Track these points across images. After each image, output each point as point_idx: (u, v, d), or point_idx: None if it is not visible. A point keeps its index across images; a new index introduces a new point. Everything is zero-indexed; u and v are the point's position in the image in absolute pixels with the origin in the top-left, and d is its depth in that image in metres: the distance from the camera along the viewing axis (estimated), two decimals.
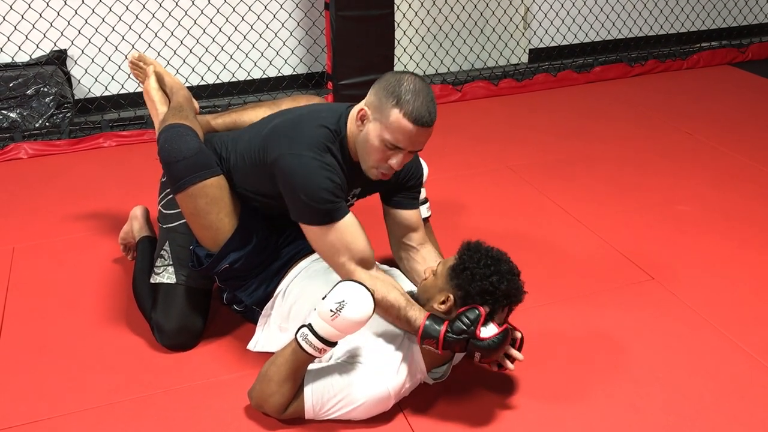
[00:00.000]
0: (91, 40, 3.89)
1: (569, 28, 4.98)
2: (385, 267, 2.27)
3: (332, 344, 1.82)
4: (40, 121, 3.73)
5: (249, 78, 4.30)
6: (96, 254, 2.73)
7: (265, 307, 2.17)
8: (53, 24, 3.78)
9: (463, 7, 4.61)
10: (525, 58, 4.94)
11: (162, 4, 3.97)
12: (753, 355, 2.21)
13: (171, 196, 2.25)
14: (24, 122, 3.72)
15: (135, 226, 2.58)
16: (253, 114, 2.41)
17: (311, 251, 2.18)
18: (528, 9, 4.82)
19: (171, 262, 2.24)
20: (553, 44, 4.98)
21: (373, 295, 1.79)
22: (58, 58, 3.91)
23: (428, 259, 2.15)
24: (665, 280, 2.58)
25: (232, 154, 2.16)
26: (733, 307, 2.44)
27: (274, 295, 2.16)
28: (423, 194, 2.43)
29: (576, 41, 5.01)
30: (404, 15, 4.44)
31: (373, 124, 1.88)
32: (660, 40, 5.25)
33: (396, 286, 1.94)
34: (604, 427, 1.93)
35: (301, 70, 4.46)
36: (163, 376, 2.12)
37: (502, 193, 3.24)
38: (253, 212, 2.18)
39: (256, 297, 2.18)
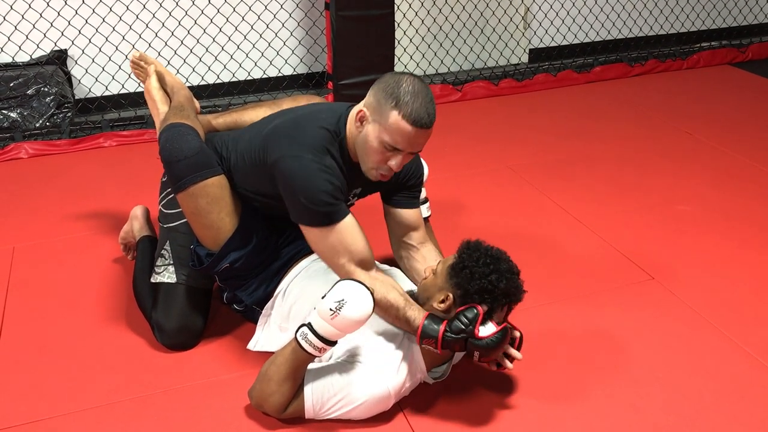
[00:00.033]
0: (91, 40, 3.89)
1: (569, 28, 4.98)
2: (386, 267, 2.27)
3: (332, 343, 1.82)
4: (40, 121, 3.74)
5: (249, 78, 4.30)
6: (96, 254, 2.74)
7: (265, 307, 2.17)
8: (54, 24, 3.78)
9: (464, 7, 4.61)
10: (525, 58, 4.94)
11: (162, 4, 3.97)
12: (753, 355, 2.21)
13: (172, 195, 2.25)
14: (24, 122, 3.72)
15: (135, 225, 2.58)
16: (254, 114, 2.42)
17: (311, 251, 2.18)
18: (528, 9, 4.82)
19: (171, 262, 2.24)
20: (553, 44, 4.98)
21: (372, 293, 1.79)
22: (59, 57, 3.91)
23: (428, 258, 2.15)
24: (665, 280, 2.58)
25: (232, 153, 2.16)
26: (733, 307, 2.44)
27: (274, 294, 2.16)
28: (423, 194, 2.43)
29: (576, 41, 5.01)
30: (404, 15, 4.44)
31: (372, 125, 1.88)
32: (660, 40, 5.25)
33: (395, 286, 1.94)
34: (604, 427, 1.93)
35: (302, 70, 4.46)
36: (163, 375, 2.12)
37: (502, 193, 3.24)
38: (253, 212, 2.18)
39: (256, 296, 2.18)
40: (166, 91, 2.48)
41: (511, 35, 4.85)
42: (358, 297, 1.76)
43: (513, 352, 1.92)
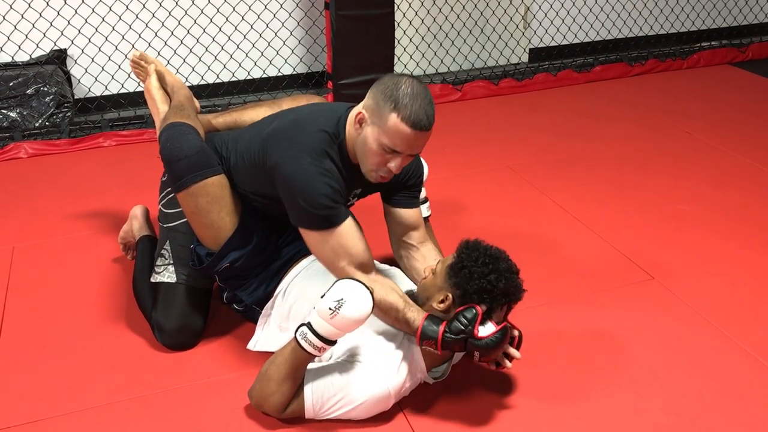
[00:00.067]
0: (91, 40, 3.89)
1: (569, 28, 4.98)
2: (385, 266, 2.27)
3: (331, 343, 1.82)
4: (40, 121, 3.73)
5: (249, 77, 4.30)
6: (96, 254, 2.73)
7: (265, 307, 2.17)
8: (53, 23, 3.78)
9: (464, 7, 4.61)
10: (525, 58, 4.94)
11: (162, 4, 3.97)
12: (753, 355, 2.21)
13: (172, 195, 2.25)
14: (24, 122, 3.72)
15: (135, 225, 2.58)
16: (254, 113, 2.41)
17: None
18: (528, 8, 4.82)
19: (171, 261, 2.24)
20: (553, 44, 4.98)
21: (371, 292, 1.79)
22: (58, 57, 3.91)
23: (428, 258, 2.15)
24: (665, 280, 2.58)
25: (232, 153, 2.16)
26: (733, 307, 2.44)
27: (275, 294, 2.16)
28: (423, 193, 2.43)
29: (576, 41, 5.01)
30: (404, 14, 4.44)
31: (371, 128, 1.88)
32: (660, 39, 5.25)
33: (394, 288, 1.94)
34: (604, 427, 1.93)
35: (301, 69, 4.46)
36: (163, 375, 2.12)
37: (502, 193, 3.24)
38: (254, 212, 2.18)
39: (256, 296, 2.18)
40: (166, 91, 2.48)
41: (511, 35, 4.84)
42: (357, 296, 1.76)
43: (512, 351, 1.92)
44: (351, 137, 1.95)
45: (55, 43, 3.88)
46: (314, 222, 1.91)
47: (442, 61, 4.68)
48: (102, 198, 3.15)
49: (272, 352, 1.95)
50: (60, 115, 3.77)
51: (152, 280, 2.26)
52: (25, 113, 3.72)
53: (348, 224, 1.93)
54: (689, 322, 2.36)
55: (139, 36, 3.97)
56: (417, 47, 4.57)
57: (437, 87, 4.36)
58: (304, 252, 2.20)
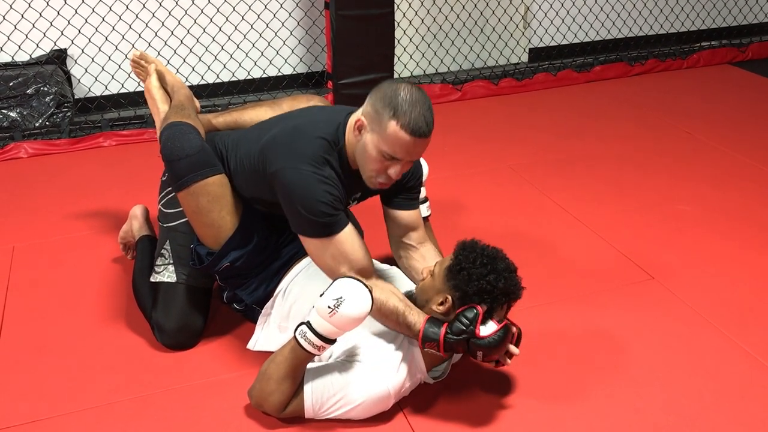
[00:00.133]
0: (91, 40, 3.89)
1: (569, 28, 4.98)
2: (385, 266, 2.27)
3: (331, 342, 1.82)
4: (40, 121, 3.73)
5: (249, 77, 4.30)
6: (96, 254, 2.73)
7: (265, 306, 2.17)
8: (53, 23, 3.78)
9: (463, 7, 4.61)
10: (525, 58, 4.94)
11: (162, 4, 3.97)
12: (753, 355, 2.21)
13: (172, 194, 2.25)
14: (24, 121, 3.72)
15: (134, 225, 2.58)
16: (254, 113, 2.41)
17: None
18: (528, 8, 4.82)
19: (171, 261, 2.24)
20: (553, 44, 4.98)
21: (370, 291, 1.79)
22: (58, 57, 3.91)
23: (427, 258, 2.15)
24: (665, 280, 2.58)
25: (232, 158, 2.16)
26: (733, 307, 2.44)
27: (275, 294, 2.16)
28: (423, 193, 2.43)
29: (576, 41, 5.01)
30: (404, 14, 4.44)
31: (371, 134, 1.88)
32: (660, 39, 5.25)
33: (395, 292, 1.93)
34: (604, 427, 1.93)
35: (301, 69, 4.46)
36: (163, 375, 2.12)
37: (502, 193, 3.24)
38: (254, 211, 2.18)
39: (256, 296, 2.18)
40: (166, 91, 2.48)
41: (511, 35, 4.84)
42: (356, 294, 1.76)
43: (511, 348, 1.91)
44: (350, 144, 1.95)
45: (55, 43, 3.88)
46: (314, 229, 1.91)
47: (442, 61, 4.68)
48: (102, 198, 3.15)
49: (272, 352, 1.94)
50: (60, 114, 3.78)
51: (152, 279, 2.26)
52: (25, 113, 3.72)
53: (348, 231, 1.93)
54: (689, 322, 2.36)
55: (139, 36, 3.97)
56: (417, 47, 4.57)
57: (437, 87, 4.36)
58: (304, 252, 2.20)
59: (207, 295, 2.29)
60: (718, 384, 2.09)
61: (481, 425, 1.93)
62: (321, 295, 1.79)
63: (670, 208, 3.09)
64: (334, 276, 1.94)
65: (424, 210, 2.44)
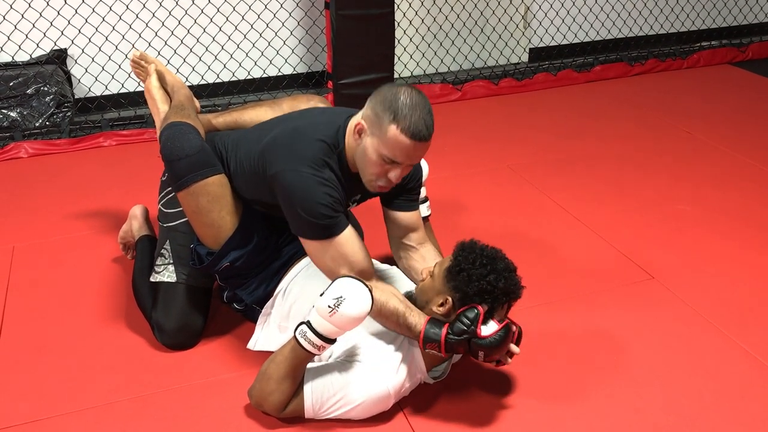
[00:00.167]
0: (91, 39, 3.89)
1: (569, 28, 4.98)
2: (385, 266, 2.27)
3: (331, 341, 1.82)
4: (40, 121, 3.73)
5: (249, 77, 4.30)
6: (96, 253, 2.74)
7: (265, 306, 2.17)
8: (53, 23, 3.78)
9: (464, 6, 4.61)
10: (525, 58, 4.94)
11: (162, 3, 3.97)
12: (753, 355, 2.21)
13: (172, 194, 2.25)
14: (24, 121, 3.72)
15: (134, 225, 2.58)
16: (254, 113, 2.41)
17: None
18: (528, 8, 4.82)
19: (171, 261, 2.24)
20: (553, 43, 4.98)
21: (371, 290, 1.79)
22: (59, 57, 3.91)
23: (427, 258, 2.15)
24: (665, 280, 2.58)
25: (232, 158, 2.16)
26: (733, 307, 2.44)
27: (275, 294, 2.16)
28: (423, 193, 2.43)
29: (576, 40, 5.01)
30: (404, 14, 4.44)
31: (371, 138, 1.88)
32: (660, 39, 5.25)
33: (395, 293, 1.93)
34: (604, 427, 1.93)
35: (302, 69, 4.46)
36: (163, 375, 2.12)
37: (502, 193, 3.24)
38: (254, 211, 2.18)
39: (256, 296, 2.18)
40: (166, 91, 2.48)
41: (511, 34, 4.84)
42: (356, 294, 1.76)
43: (512, 347, 1.91)
44: (350, 147, 1.95)
45: (55, 43, 3.88)
46: (314, 231, 1.91)
47: (442, 60, 4.68)
48: (102, 198, 3.15)
49: (272, 352, 1.94)
50: (60, 114, 3.78)
51: (152, 279, 2.26)
52: (25, 113, 3.72)
53: (348, 233, 1.93)
54: (689, 322, 2.36)
55: (140, 36, 3.97)
56: (417, 47, 4.57)
57: (437, 87, 4.36)
58: (304, 251, 2.19)
59: (207, 295, 2.29)
60: (718, 384, 2.09)
61: (481, 425, 1.93)
62: (321, 295, 1.79)
63: (670, 208, 3.09)
64: (334, 278, 1.94)
65: (424, 210, 2.44)
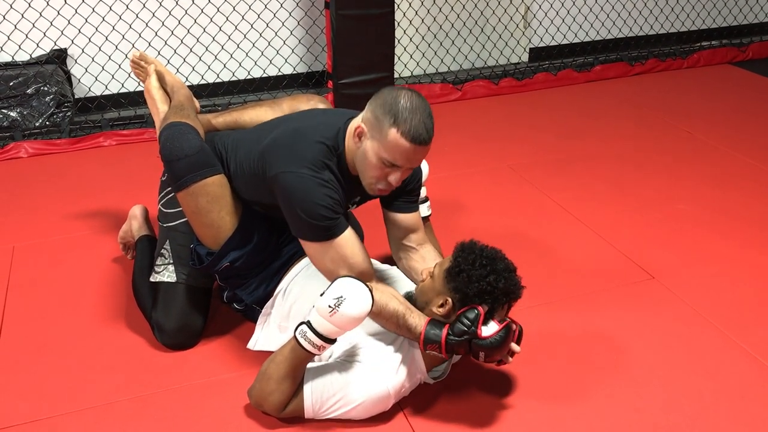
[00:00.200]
0: (91, 39, 3.89)
1: (569, 27, 4.98)
2: (385, 266, 2.27)
3: (331, 341, 1.82)
4: (40, 120, 3.73)
5: (249, 77, 4.30)
6: (96, 253, 2.74)
7: (265, 306, 2.17)
8: (53, 23, 3.78)
9: (464, 6, 4.61)
10: (525, 57, 4.94)
11: (162, 3, 3.97)
12: (753, 355, 2.21)
13: (171, 194, 2.25)
14: (24, 121, 3.72)
15: (134, 225, 2.58)
16: (254, 113, 2.41)
17: None
18: (528, 8, 4.82)
19: (171, 261, 2.24)
20: (553, 43, 4.98)
21: (371, 290, 1.79)
22: (59, 57, 3.91)
23: (427, 259, 2.14)
24: (665, 280, 2.58)
25: (231, 159, 2.16)
26: (734, 307, 2.44)
27: (275, 294, 2.16)
28: (423, 192, 2.43)
29: (576, 40, 5.01)
30: (404, 14, 4.44)
31: (371, 142, 1.88)
32: (660, 39, 5.25)
33: (395, 295, 1.93)
34: (604, 427, 1.93)
35: (302, 69, 4.46)
36: (163, 375, 2.12)
37: (502, 192, 3.24)
38: (253, 211, 2.18)
39: (256, 296, 2.18)
40: (165, 91, 2.48)
41: (512, 34, 4.84)
42: (356, 294, 1.76)
43: (513, 346, 1.91)
44: (350, 150, 1.95)
45: (55, 43, 3.88)
46: (314, 233, 1.91)
47: (442, 60, 4.68)
48: (102, 198, 3.15)
49: (272, 352, 1.94)
50: (60, 114, 3.77)
51: (152, 279, 2.26)
52: (25, 113, 3.72)
53: (347, 235, 1.92)
54: (689, 322, 2.36)
55: (140, 35, 3.97)
56: (417, 47, 4.57)
57: (437, 87, 4.36)
58: (303, 251, 2.20)
59: (207, 295, 2.29)
60: (718, 384, 2.09)
61: (481, 425, 1.93)
62: (321, 295, 1.79)
63: (670, 207, 3.09)
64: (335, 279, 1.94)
65: (425, 210, 2.44)
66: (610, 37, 5.10)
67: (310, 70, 4.47)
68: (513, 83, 4.51)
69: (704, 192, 3.22)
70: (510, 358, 1.91)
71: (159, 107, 2.43)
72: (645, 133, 3.86)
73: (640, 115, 4.10)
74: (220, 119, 2.42)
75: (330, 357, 1.97)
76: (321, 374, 1.89)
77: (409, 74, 4.64)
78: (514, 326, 1.91)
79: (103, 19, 3.87)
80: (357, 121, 1.94)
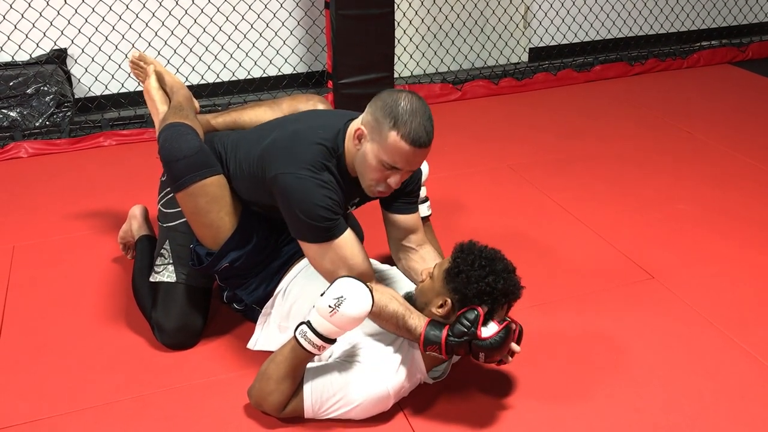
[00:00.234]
0: (91, 39, 3.89)
1: (569, 27, 4.98)
2: (385, 266, 2.27)
3: (331, 341, 1.82)
4: (40, 120, 3.73)
5: (249, 77, 4.30)
6: (96, 253, 2.74)
7: (265, 306, 2.17)
8: (53, 23, 3.78)
9: (464, 6, 4.61)
10: (525, 57, 4.94)
11: (162, 3, 3.97)
12: (753, 355, 2.21)
13: (171, 195, 2.25)
14: (24, 121, 3.72)
15: (134, 225, 2.58)
16: (253, 113, 2.41)
17: None
18: (528, 8, 4.82)
19: (171, 261, 2.24)
20: (553, 43, 4.98)
21: (371, 290, 1.79)
22: (59, 56, 3.91)
23: (427, 259, 2.14)
24: (665, 280, 2.58)
25: (231, 160, 2.16)
26: (733, 307, 2.44)
27: (275, 294, 2.16)
28: (423, 192, 2.43)
29: (576, 40, 5.01)
30: (404, 14, 4.44)
31: (371, 144, 1.88)
32: (660, 39, 5.25)
33: (395, 296, 1.93)
34: (604, 427, 1.93)
35: (302, 69, 4.46)
36: (163, 375, 2.12)
37: (502, 192, 3.24)
38: (253, 211, 2.18)
39: (256, 296, 2.18)
40: (165, 91, 2.48)
41: (511, 34, 4.84)
42: (357, 294, 1.76)
43: (513, 346, 1.91)
44: (350, 152, 1.95)
45: (55, 43, 3.88)
46: (313, 234, 1.91)
47: (442, 60, 4.68)
48: (102, 198, 3.15)
49: (272, 352, 1.94)
50: (60, 114, 3.77)
51: (152, 279, 2.26)
52: (25, 113, 3.72)
53: (347, 236, 1.92)
54: (689, 322, 2.36)
55: (139, 35, 3.97)
56: (417, 47, 4.57)
57: (437, 87, 4.36)
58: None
59: (207, 294, 2.29)
60: (718, 384, 2.09)
61: (481, 425, 1.93)
62: (321, 295, 1.79)
63: (670, 207, 3.09)
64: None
65: (425, 210, 2.44)
66: (609, 37, 5.10)
67: (310, 70, 4.47)
68: (513, 83, 4.51)
69: (704, 192, 3.22)
70: (510, 358, 1.91)
71: (158, 108, 2.43)
72: (645, 133, 3.86)
73: (640, 115, 4.11)
74: (219, 119, 2.42)
75: (330, 357, 1.97)
76: (321, 374, 1.89)
77: (409, 74, 4.64)
78: (514, 326, 1.90)
79: (103, 19, 3.87)
80: (357, 123, 1.94)
